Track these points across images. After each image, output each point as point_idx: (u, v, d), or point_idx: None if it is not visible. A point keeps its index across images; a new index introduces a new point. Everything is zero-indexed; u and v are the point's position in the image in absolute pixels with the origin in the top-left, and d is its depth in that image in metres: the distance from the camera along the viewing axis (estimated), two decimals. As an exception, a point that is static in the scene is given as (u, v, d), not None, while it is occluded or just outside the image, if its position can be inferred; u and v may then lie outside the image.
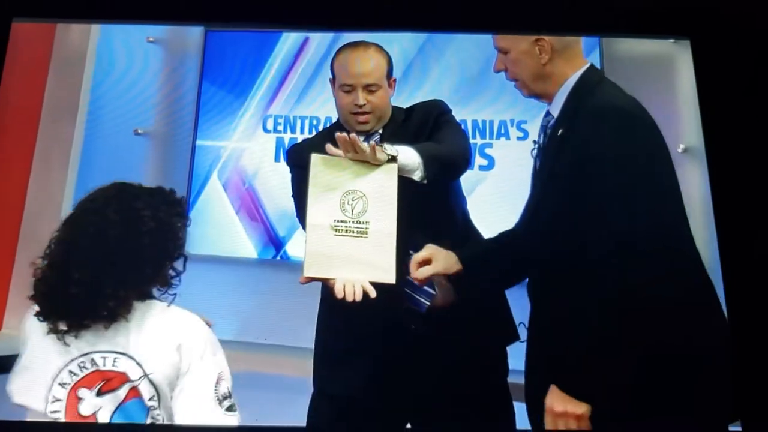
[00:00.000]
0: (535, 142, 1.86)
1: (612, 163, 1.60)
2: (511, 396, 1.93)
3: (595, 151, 1.62)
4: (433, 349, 1.84)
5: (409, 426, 1.97)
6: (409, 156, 1.77)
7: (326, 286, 1.78)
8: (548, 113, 1.80)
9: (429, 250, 1.75)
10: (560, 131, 1.72)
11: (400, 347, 1.84)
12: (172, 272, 1.63)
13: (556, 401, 1.61)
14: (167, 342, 1.58)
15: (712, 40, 2.19)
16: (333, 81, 2.01)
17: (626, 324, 1.54)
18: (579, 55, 1.77)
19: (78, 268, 1.54)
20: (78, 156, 2.56)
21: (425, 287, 1.87)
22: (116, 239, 1.57)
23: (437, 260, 1.75)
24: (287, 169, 2.12)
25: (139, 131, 2.69)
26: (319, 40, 2.67)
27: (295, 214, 1.98)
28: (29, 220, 2.49)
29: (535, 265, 1.74)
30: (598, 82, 1.74)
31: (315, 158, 1.80)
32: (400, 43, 2.53)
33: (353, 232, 1.81)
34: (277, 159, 2.65)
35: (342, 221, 1.81)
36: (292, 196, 1.99)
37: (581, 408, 1.59)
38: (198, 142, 2.68)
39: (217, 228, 2.72)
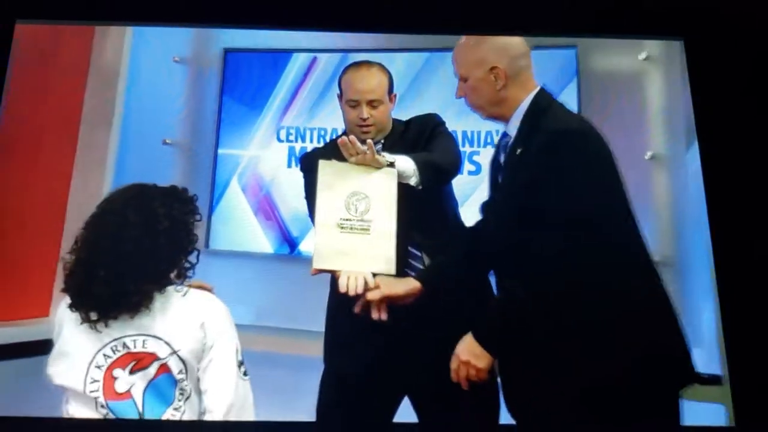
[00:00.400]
0: (498, 167, 1.94)
1: (561, 177, 1.68)
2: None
3: (548, 168, 1.71)
4: (423, 334, 1.93)
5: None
6: (405, 164, 1.88)
7: (334, 278, 1.90)
8: (505, 134, 1.90)
9: (378, 280, 1.85)
10: (518, 150, 1.81)
11: (398, 331, 1.91)
12: (186, 265, 1.72)
13: (464, 350, 1.75)
14: (191, 321, 1.68)
15: (705, 40, 2.21)
16: (340, 96, 2.12)
17: (557, 300, 1.66)
18: (530, 80, 1.86)
19: (102, 267, 1.63)
20: (113, 161, 2.74)
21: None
22: (135, 238, 1.65)
23: (384, 285, 1.85)
24: (299, 174, 2.24)
25: (167, 141, 2.90)
26: (327, 60, 2.83)
27: (307, 214, 2.08)
28: (72, 218, 2.62)
29: (491, 263, 1.86)
30: (548, 104, 1.84)
31: (323, 164, 1.92)
32: (401, 64, 2.68)
33: (357, 229, 1.93)
34: (289, 166, 2.82)
35: (347, 219, 1.92)
36: (305, 197, 2.08)
37: (483, 362, 1.72)
38: (219, 151, 2.87)
39: (237, 227, 2.87)
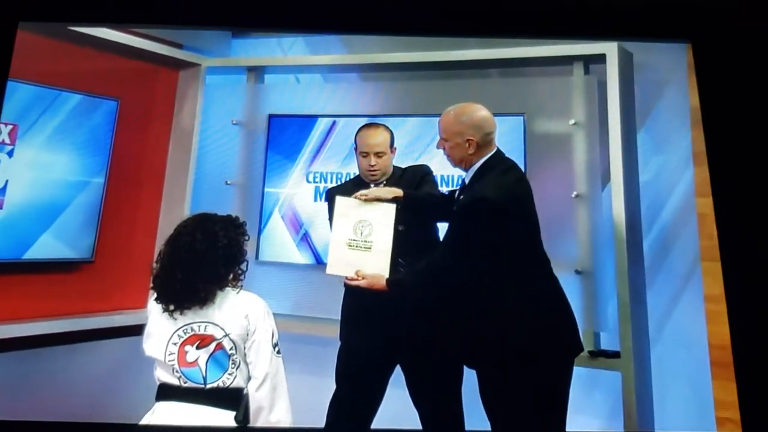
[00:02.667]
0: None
1: (472, 232, 1.98)
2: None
3: (464, 223, 2.01)
4: (411, 319, 2.19)
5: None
6: (395, 191, 2.17)
7: (346, 282, 2.18)
8: (463, 181, 2.16)
9: (363, 273, 2.10)
10: (461, 197, 2.11)
11: (391, 317, 2.18)
12: (239, 272, 1.89)
13: (375, 276, 2.06)
14: (239, 313, 1.86)
15: (712, 42, 2.15)
16: (356, 149, 2.34)
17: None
18: (491, 144, 2.08)
19: (179, 272, 1.80)
20: (189, 197, 3.14)
21: None
22: (203, 252, 1.82)
23: (369, 277, 2.11)
24: (323, 205, 2.52)
25: (228, 182, 3.28)
26: (343, 123, 3.11)
27: (329, 232, 2.27)
28: (161, 237, 2.54)
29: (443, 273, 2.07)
30: (491, 168, 2.05)
31: (339, 199, 2.19)
32: (402, 126, 2.91)
33: (361, 247, 2.14)
34: (316, 200, 3.12)
35: (354, 240, 2.15)
36: (328, 219, 2.30)
37: (373, 287, 2.03)
38: (265, 189, 3.20)
39: (278, 244, 3.13)
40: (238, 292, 1.87)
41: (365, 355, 2.23)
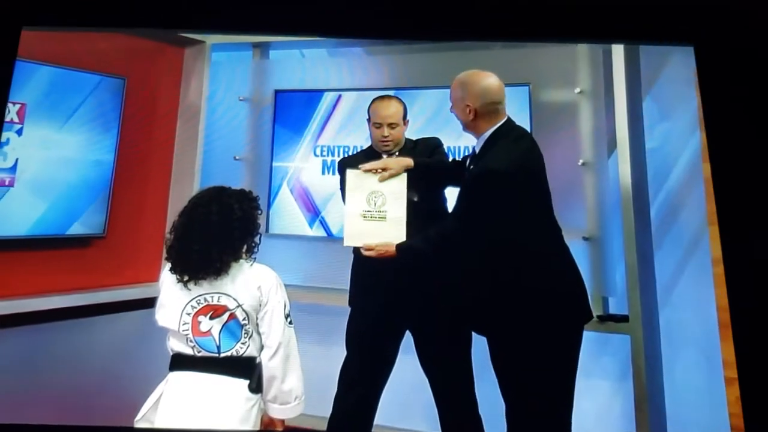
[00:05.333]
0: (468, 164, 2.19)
1: (485, 200, 2.00)
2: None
3: (473, 192, 2.02)
4: (422, 281, 2.21)
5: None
6: (407, 160, 2.21)
7: (357, 249, 2.22)
8: (474, 149, 2.18)
9: (370, 244, 2.14)
10: (471, 166, 2.14)
11: (403, 281, 2.21)
12: (253, 244, 1.92)
13: (386, 243, 2.08)
14: (252, 285, 1.88)
15: (715, 46, 2.11)
16: (369, 120, 2.38)
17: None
18: (500, 114, 2.08)
19: (195, 242, 1.83)
20: (199, 172, 3.16)
21: None
22: (218, 224, 1.85)
23: (376, 248, 2.16)
24: (331, 179, 2.68)
25: (237, 157, 3.31)
26: (348, 97, 3.14)
27: (339, 202, 2.34)
28: (171, 212, 3.11)
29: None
30: (501, 137, 2.06)
31: (350, 172, 2.24)
32: (415, 100, 2.94)
33: (376, 217, 2.17)
34: (323, 173, 3.14)
35: (368, 211, 2.18)
36: (340, 189, 2.33)
37: (381, 252, 2.06)
38: (273, 164, 3.23)
39: (287, 217, 3.16)
40: (251, 265, 1.90)
41: (374, 319, 2.27)
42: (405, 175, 2.15)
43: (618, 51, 2.69)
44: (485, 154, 2.06)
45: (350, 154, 2.87)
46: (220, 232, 1.84)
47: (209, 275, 1.83)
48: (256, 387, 1.82)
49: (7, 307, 2.56)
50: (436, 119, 2.96)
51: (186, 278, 1.84)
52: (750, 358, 1.87)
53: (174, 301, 1.86)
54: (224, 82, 3.33)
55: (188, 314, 1.83)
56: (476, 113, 2.06)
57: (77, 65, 2.85)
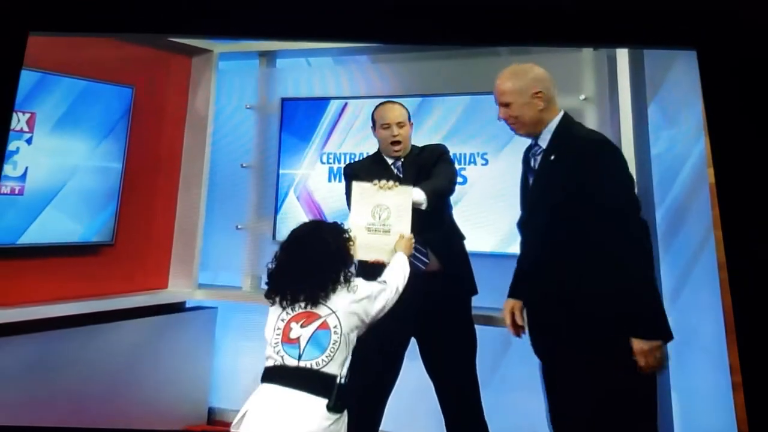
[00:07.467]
0: (530, 170, 2.05)
1: (594, 175, 1.84)
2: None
3: (583, 168, 1.85)
4: (429, 291, 2.21)
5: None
6: (419, 197, 2.17)
7: (362, 262, 2.18)
8: (536, 145, 2.02)
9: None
10: (551, 156, 1.96)
11: (409, 292, 2.10)
12: (348, 273, 1.91)
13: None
14: (349, 297, 1.90)
15: (718, 50, 2.09)
16: (373, 126, 2.38)
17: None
18: (557, 104, 2.03)
19: (293, 273, 1.86)
20: (206, 180, 3.22)
21: (421, 257, 2.24)
22: (314, 258, 1.88)
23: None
24: (337, 186, 2.68)
25: (244, 165, 3.35)
26: (354, 104, 3.17)
27: (344, 209, 2.32)
28: (180, 220, 3.22)
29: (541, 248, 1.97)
30: (572, 123, 2.00)
31: (356, 185, 2.20)
32: (421, 107, 2.99)
33: (380, 231, 2.16)
34: (329, 181, 3.18)
35: (373, 224, 2.18)
36: (345, 194, 2.34)
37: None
38: (280, 171, 3.27)
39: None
40: (353, 290, 1.93)
41: (382, 329, 2.14)
42: (410, 188, 2.14)
43: (622, 57, 2.68)
44: (564, 141, 1.94)
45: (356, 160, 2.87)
46: (316, 264, 1.87)
47: (305, 303, 1.87)
48: (333, 406, 1.77)
49: (16, 314, 2.57)
50: (442, 126, 2.99)
51: (285, 304, 1.89)
52: (754, 362, 1.87)
53: (274, 313, 1.90)
54: (231, 90, 3.38)
55: (282, 320, 1.86)
56: (547, 99, 1.98)
57: (86, 74, 2.88)
